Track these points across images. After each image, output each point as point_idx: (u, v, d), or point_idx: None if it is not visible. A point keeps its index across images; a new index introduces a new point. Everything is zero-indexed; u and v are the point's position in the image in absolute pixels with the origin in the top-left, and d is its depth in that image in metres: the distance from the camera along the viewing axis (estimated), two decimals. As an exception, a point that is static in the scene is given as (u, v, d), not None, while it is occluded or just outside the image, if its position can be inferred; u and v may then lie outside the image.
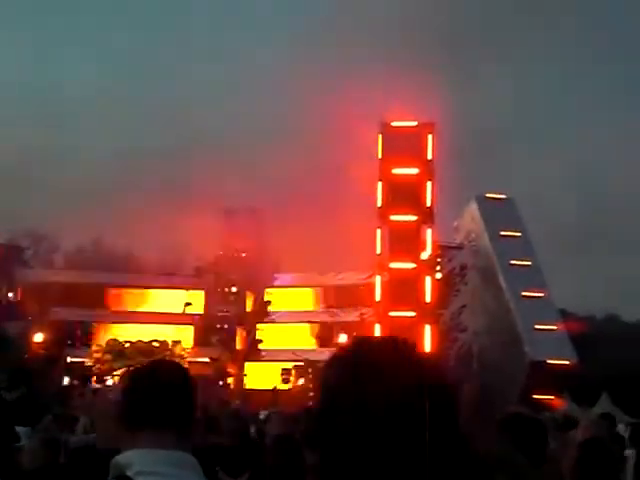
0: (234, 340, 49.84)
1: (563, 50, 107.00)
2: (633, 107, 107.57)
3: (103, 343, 47.83)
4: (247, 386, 46.69)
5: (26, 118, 76.28)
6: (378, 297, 36.27)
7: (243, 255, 50.96)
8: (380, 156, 37.40)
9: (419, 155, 37.03)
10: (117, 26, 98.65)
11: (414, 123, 37.84)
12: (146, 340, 47.19)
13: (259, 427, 10.55)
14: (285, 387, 45.46)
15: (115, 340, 47.51)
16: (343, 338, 42.70)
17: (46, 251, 58.75)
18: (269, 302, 51.63)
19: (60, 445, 6.11)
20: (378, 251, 36.72)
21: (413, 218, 36.34)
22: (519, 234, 40.52)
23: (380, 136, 37.62)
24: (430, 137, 37.48)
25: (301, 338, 49.38)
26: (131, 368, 3.05)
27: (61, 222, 62.08)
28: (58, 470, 5.60)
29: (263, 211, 52.74)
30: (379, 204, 36.85)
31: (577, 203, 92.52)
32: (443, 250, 41.75)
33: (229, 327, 49.85)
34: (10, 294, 49.49)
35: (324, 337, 49.04)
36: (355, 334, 41.50)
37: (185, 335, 49.46)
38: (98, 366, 46.05)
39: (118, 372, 42.41)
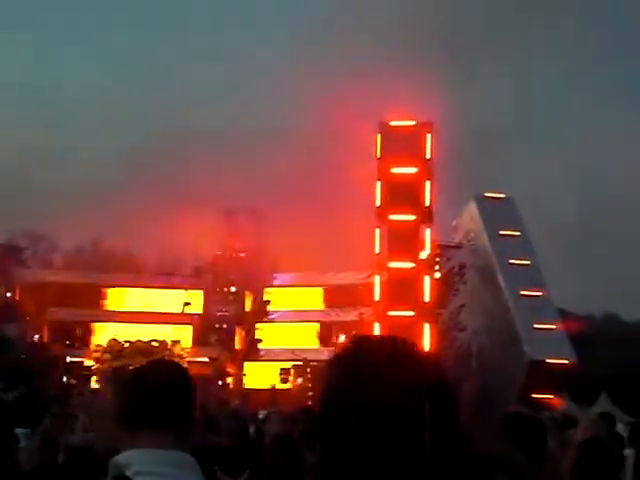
0: (233, 340, 49.87)
1: (563, 50, 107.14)
2: (633, 107, 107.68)
3: (102, 343, 47.84)
4: (246, 386, 46.72)
5: (26, 118, 76.30)
6: (377, 297, 36.25)
7: (242, 255, 50.97)
8: (379, 155, 37.38)
9: (418, 154, 37.02)
10: (117, 26, 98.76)
11: (413, 122, 37.84)
12: (145, 340, 47.20)
13: (258, 427, 10.54)
14: (284, 387, 45.48)
15: (114, 340, 47.53)
16: (342, 338, 42.75)
17: (45, 251, 58.71)
18: (268, 302, 51.65)
19: (58, 445, 6.11)
20: (377, 250, 36.71)
21: (412, 217, 36.33)
22: (518, 233, 40.52)
23: (379, 135, 37.62)
24: (429, 136, 37.48)
25: (300, 338, 49.39)
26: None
27: (60, 222, 62.01)
28: (56, 470, 5.60)
29: (262, 211, 52.78)
30: (378, 203, 36.84)
31: (577, 203, 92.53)
32: (442, 249, 41.75)
33: (228, 327, 49.86)
34: (8, 294, 49.45)
35: (323, 337, 49.08)
36: (354, 333, 41.52)
37: (184, 335, 49.46)
38: (97, 366, 46.06)
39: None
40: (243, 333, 50.43)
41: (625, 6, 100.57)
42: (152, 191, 72.67)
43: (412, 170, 36.83)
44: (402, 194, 35.94)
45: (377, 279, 36.48)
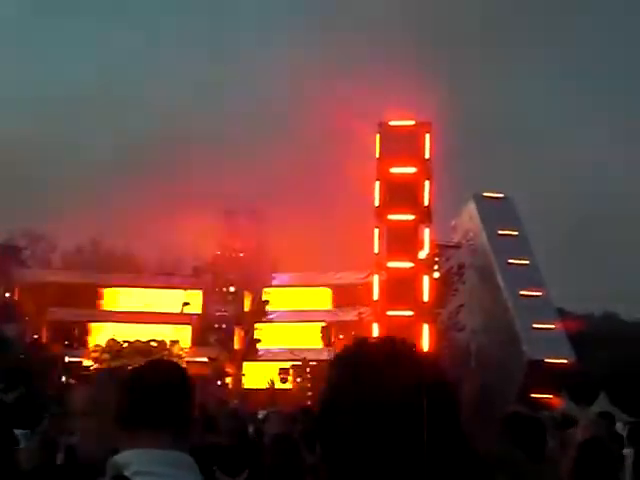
0: (232, 340, 49.86)
1: (563, 50, 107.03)
2: (633, 107, 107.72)
3: (101, 343, 47.83)
4: (245, 386, 46.72)
5: (26, 118, 76.26)
6: (376, 296, 36.26)
7: (241, 255, 50.98)
8: (378, 155, 37.39)
9: (417, 154, 37.03)
10: (117, 26, 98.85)
11: (412, 122, 37.85)
12: (144, 340, 47.19)
13: (257, 426, 10.54)
14: (283, 387, 45.47)
15: (113, 340, 47.53)
16: (341, 337, 42.76)
17: (44, 251, 58.71)
18: (267, 302, 51.66)
19: (57, 445, 6.10)
20: (376, 250, 36.72)
21: (411, 217, 36.34)
22: (517, 233, 40.52)
23: (378, 135, 37.63)
24: (428, 136, 37.49)
25: (299, 338, 49.38)
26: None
27: (59, 222, 62.04)
28: (55, 470, 5.59)
29: (261, 211, 52.80)
30: (377, 203, 36.85)
31: (576, 202, 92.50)
32: (441, 249, 41.75)
33: (227, 327, 49.86)
34: (7, 294, 49.43)
35: (322, 337, 49.07)
36: (353, 333, 41.56)
37: (183, 335, 49.45)
38: (96, 366, 46.04)
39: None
40: (242, 333, 50.42)
41: (625, 6, 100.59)
42: (151, 191, 72.76)
43: (411, 170, 36.83)
44: (401, 194, 35.94)
45: (376, 279, 36.48)
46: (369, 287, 37.49)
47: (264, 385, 44.63)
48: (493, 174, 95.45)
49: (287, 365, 46.98)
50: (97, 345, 47.80)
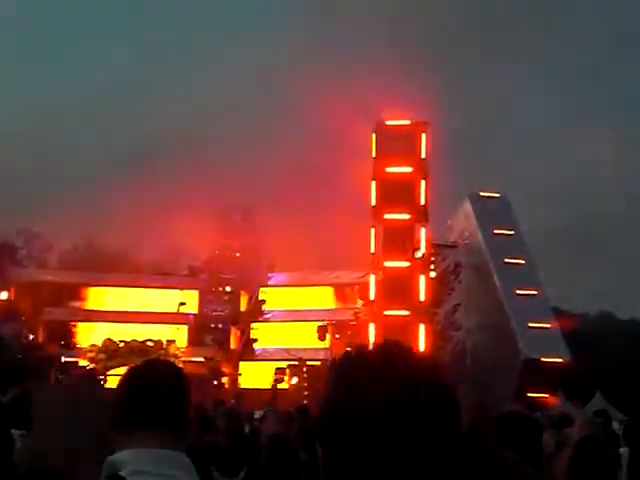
0: (228, 339, 49.83)
1: (563, 50, 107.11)
2: (633, 107, 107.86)
3: (97, 343, 47.77)
4: (242, 385, 46.69)
5: (25, 117, 76.24)
6: (372, 296, 36.28)
7: (237, 255, 50.95)
8: (374, 155, 37.40)
9: (413, 154, 37.04)
10: (117, 26, 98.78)
11: (408, 122, 37.85)
12: (140, 340, 47.15)
13: (253, 426, 10.54)
14: (280, 386, 45.43)
15: (109, 340, 47.48)
16: (338, 337, 42.73)
17: (40, 251, 58.66)
18: (263, 301, 51.63)
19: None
20: (372, 250, 36.73)
21: (407, 217, 36.35)
22: (513, 232, 40.54)
23: (374, 135, 37.63)
24: (424, 136, 37.50)
25: (296, 337, 49.35)
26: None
27: (55, 222, 61.97)
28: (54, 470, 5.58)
29: (257, 210, 52.78)
30: (373, 203, 36.86)
31: (575, 202, 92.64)
32: (437, 249, 41.76)
33: (223, 326, 49.83)
34: (3, 294, 49.32)
35: (319, 336, 49.04)
36: (350, 333, 41.58)
37: (179, 335, 49.40)
38: (92, 366, 45.98)
39: (112, 372, 42.36)
40: (238, 333, 50.40)
41: (625, 6, 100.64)
42: (148, 191, 72.69)
43: (407, 169, 36.84)
44: (397, 193, 35.95)
45: (372, 278, 36.50)
46: (365, 287, 37.50)
47: (261, 385, 44.61)
48: (489, 174, 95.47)
49: (284, 365, 46.97)
50: (93, 345, 47.72)
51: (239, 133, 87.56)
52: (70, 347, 46.99)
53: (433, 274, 39.38)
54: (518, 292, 37.91)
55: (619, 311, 60.15)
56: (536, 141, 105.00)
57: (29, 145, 70.19)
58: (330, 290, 51.27)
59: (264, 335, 50.09)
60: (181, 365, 18.02)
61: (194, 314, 50.29)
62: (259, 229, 51.79)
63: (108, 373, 43.89)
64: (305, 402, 30.92)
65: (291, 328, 49.91)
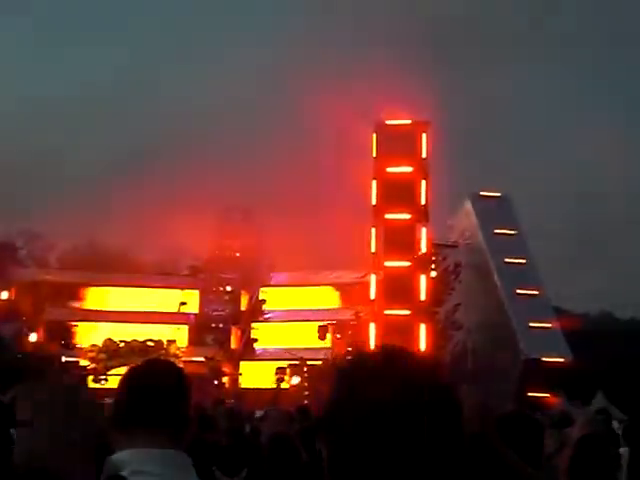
0: (229, 339, 49.84)
1: (563, 50, 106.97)
2: (633, 107, 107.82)
3: (97, 342, 47.78)
4: (242, 385, 46.69)
5: (25, 117, 76.22)
6: (373, 295, 36.29)
7: (238, 254, 50.96)
8: (374, 155, 37.41)
9: (414, 154, 37.06)
10: (117, 26, 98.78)
11: (408, 122, 37.86)
12: (141, 339, 47.16)
13: (253, 426, 10.53)
14: (281, 386, 45.43)
15: (110, 339, 47.49)
16: (338, 337, 42.75)
17: (41, 250, 58.65)
18: (264, 301, 51.62)
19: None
20: (373, 250, 36.74)
21: (408, 216, 36.36)
22: (514, 232, 40.55)
23: (374, 135, 37.64)
24: (424, 136, 37.51)
25: (296, 337, 49.35)
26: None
27: (56, 221, 61.99)
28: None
29: (258, 210, 52.79)
30: (373, 202, 36.87)
31: (574, 201, 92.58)
32: (438, 248, 41.78)
33: (224, 326, 49.84)
34: (4, 293, 49.34)
35: (319, 336, 49.04)
36: (350, 333, 41.61)
37: (180, 334, 49.41)
38: (93, 365, 46.01)
39: (113, 371, 42.39)
40: (239, 333, 50.40)
41: (625, 6, 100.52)
42: (149, 191, 72.66)
43: (408, 169, 36.85)
44: (398, 193, 35.97)
45: (373, 278, 36.51)
46: (366, 286, 37.50)
47: (261, 384, 44.60)
48: (490, 173, 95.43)
49: (284, 364, 46.98)
50: (94, 345, 47.72)
51: (239, 133, 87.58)
52: (70, 347, 47.02)
53: (434, 274, 39.41)
54: (519, 292, 37.93)
55: (619, 311, 60.22)
56: (536, 141, 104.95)
57: (29, 145, 70.14)
58: (331, 290, 51.26)
59: (265, 335, 50.08)
60: (182, 365, 18.03)
61: (195, 314, 50.30)
62: (259, 229, 51.81)
63: (109, 373, 43.96)
64: (306, 402, 30.94)
65: (292, 328, 49.91)
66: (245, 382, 47.13)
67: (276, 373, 45.61)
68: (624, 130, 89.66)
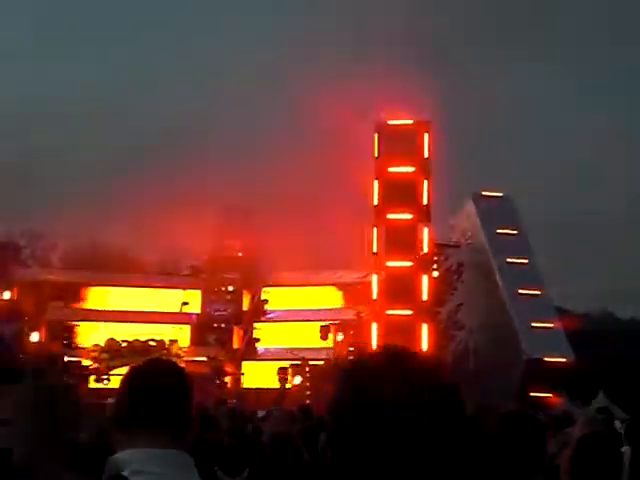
0: (231, 339, 49.85)
1: (563, 50, 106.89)
2: (633, 107, 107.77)
3: (99, 342, 47.82)
4: (244, 385, 46.72)
5: (25, 117, 76.19)
6: (375, 295, 36.29)
7: (240, 254, 50.98)
8: (376, 154, 37.41)
9: (415, 153, 37.05)
10: (117, 26, 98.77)
11: (410, 121, 37.85)
12: (143, 339, 47.19)
13: (255, 425, 10.54)
14: (284, 386, 45.45)
15: (112, 339, 47.53)
16: (340, 337, 42.75)
17: (43, 250, 58.66)
18: (266, 301, 51.62)
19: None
20: (374, 249, 36.74)
21: (409, 216, 36.36)
22: (516, 232, 40.54)
23: (376, 134, 37.63)
24: (426, 135, 37.50)
25: (298, 337, 49.35)
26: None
27: (58, 221, 61.98)
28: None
29: (260, 210, 52.79)
30: (375, 202, 36.87)
31: (574, 201, 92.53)
32: (440, 248, 41.77)
33: (226, 326, 49.85)
34: (7, 293, 49.38)
35: (321, 336, 49.06)
36: (352, 333, 41.59)
37: (182, 334, 49.43)
38: (95, 365, 46.05)
39: (115, 371, 42.43)
40: (241, 332, 50.41)
41: (625, 6, 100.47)
42: (150, 191, 72.62)
43: (410, 169, 36.84)
44: (400, 193, 35.96)
45: (375, 278, 36.51)
46: (368, 286, 37.50)
47: (263, 384, 44.62)
48: (492, 173, 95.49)
49: (286, 364, 47.00)
50: (96, 345, 47.75)
51: (239, 133, 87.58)
52: (73, 347, 47.06)
53: (436, 274, 39.40)
54: (521, 292, 37.92)
55: (619, 311, 60.27)
56: (536, 141, 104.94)
57: (29, 145, 70.13)
58: (333, 290, 51.25)
59: (267, 335, 50.09)
60: (183, 365, 18.04)
61: (197, 314, 50.33)
62: (261, 229, 51.81)
63: (111, 373, 44.03)
64: (308, 402, 30.95)
65: (294, 328, 49.92)
66: (247, 382, 47.16)
67: (278, 373, 45.63)
68: (624, 130, 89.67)
